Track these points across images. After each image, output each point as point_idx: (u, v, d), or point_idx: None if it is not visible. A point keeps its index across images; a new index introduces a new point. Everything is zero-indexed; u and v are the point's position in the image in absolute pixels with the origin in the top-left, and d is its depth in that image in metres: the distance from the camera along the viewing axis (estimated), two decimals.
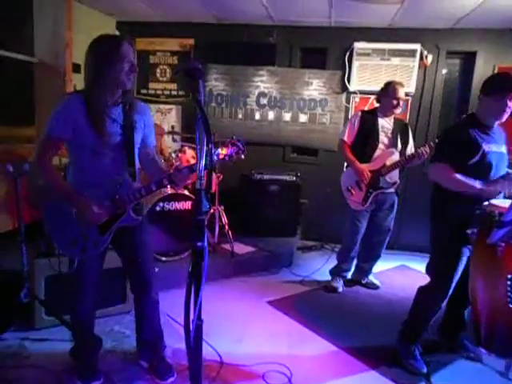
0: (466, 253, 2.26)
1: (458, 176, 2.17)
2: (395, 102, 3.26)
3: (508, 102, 2.14)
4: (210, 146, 1.09)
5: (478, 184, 2.13)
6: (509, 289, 1.79)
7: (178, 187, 1.93)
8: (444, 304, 2.41)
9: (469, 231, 2.14)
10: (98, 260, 2.06)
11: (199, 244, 1.03)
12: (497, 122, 2.27)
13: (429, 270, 2.45)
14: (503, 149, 2.32)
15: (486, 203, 2.04)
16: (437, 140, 2.93)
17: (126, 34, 2.04)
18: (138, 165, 2.04)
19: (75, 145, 1.90)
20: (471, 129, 2.23)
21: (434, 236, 2.42)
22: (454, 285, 2.30)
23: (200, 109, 1.08)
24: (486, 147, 2.19)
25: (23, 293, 2.55)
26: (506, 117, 2.21)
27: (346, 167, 3.49)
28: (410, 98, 4.52)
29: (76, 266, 2.05)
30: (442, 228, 2.35)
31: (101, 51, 1.81)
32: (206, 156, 1.11)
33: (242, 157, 1.90)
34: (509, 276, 1.78)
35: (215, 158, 1.85)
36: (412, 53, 4.38)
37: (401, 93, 3.27)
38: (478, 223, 2.06)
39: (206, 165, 1.11)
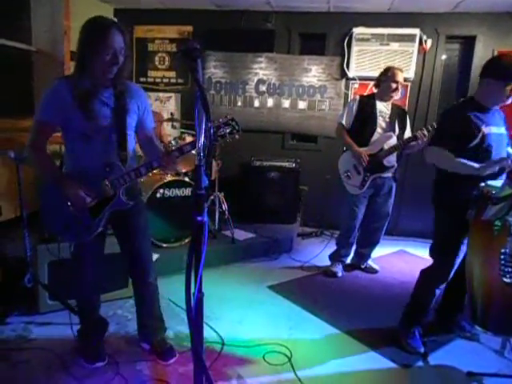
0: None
1: (455, 158, 2.18)
2: (394, 85, 3.26)
3: None
4: (209, 124, 1.11)
5: (475, 164, 2.14)
6: (502, 262, 1.83)
7: (168, 171, 1.86)
8: (443, 286, 2.43)
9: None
10: (95, 244, 2.07)
11: (199, 218, 1.06)
12: (498, 105, 2.27)
13: (432, 253, 2.47)
14: (503, 130, 2.32)
15: (483, 184, 2.06)
16: (434, 124, 2.94)
17: (120, 21, 1.96)
18: (131, 148, 2.02)
19: (66, 129, 1.91)
20: (470, 111, 2.22)
21: (435, 220, 2.43)
22: (454, 268, 2.32)
23: (199, 87, 1.10)
24: (485, 129, 2.19)
25: (27, 278, 2.59)
26: (510, 100, 2.20)
27: (345, 150, 3.50)
28: (409, 83, 4.52)
29: (73, 251, 2.09)
30: (442, 212, 2.37)
31: (86, 36, 1.78)
32: (206, 134, 1.13)
33: (237, 137, 1.87)
34: (502, 251, 1.82)
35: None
36: (411, 38, 4.36)
37: (399, 77, 3.27)
38: (474, 204, 2.08)
39: (205, 142, 1.12)
